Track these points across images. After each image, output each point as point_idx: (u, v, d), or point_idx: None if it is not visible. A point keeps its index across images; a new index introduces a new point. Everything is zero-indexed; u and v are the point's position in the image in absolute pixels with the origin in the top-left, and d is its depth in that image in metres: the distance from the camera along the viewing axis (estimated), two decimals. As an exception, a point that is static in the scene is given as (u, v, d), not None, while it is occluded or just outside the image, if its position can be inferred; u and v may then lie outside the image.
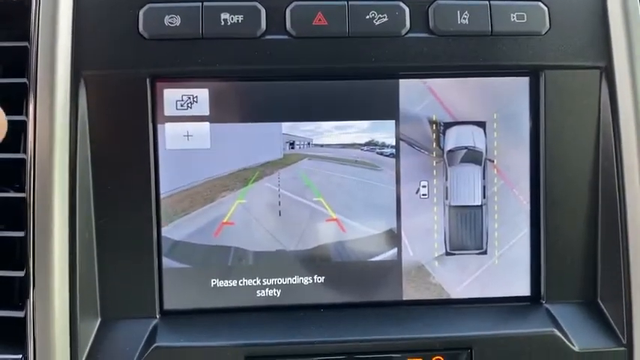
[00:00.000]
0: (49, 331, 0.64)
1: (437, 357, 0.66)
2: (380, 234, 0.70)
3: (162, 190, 0.69)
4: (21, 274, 0.65)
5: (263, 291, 0.70)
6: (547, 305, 0.70)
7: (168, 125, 0.69)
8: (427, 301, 0.71)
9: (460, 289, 0.71)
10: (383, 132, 0.70)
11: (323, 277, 0.70)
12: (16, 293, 0.67)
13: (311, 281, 0.70)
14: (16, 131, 0.68)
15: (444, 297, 0.71)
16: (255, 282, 0.70)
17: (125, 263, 0.68)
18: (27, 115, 0.66)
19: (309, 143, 0.70)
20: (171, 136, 0.69)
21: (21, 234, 0.66)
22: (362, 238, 0.70)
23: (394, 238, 0.70)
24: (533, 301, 0.71)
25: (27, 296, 0.64)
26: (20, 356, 0.64)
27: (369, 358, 0.66)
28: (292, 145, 0.70)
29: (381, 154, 0.70)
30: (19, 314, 0.65)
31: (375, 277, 0.70)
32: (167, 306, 0.69)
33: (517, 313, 0.70)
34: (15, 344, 0.65)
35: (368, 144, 0.70)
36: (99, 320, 0.68)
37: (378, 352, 0.66)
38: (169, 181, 0.69)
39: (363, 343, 0.66)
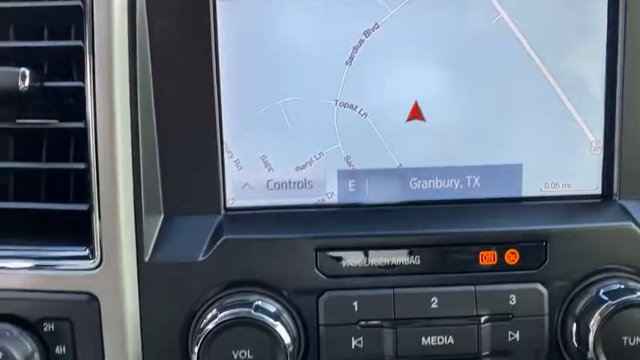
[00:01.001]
0: (115, 223, 0.65)
1: (511, 250, 0.68)
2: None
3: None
4: (82, 165, 0.66)
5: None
6: (620, 202, 0.71)
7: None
8: (498, 199, 0.71)
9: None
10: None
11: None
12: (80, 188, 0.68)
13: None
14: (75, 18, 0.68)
15: (515, 195, 0.72)
16: (322, 178, 0.71)
17: (188, 159, 0.68)
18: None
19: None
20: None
21: (80, 124, 0.66)
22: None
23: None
24: (604, 198, 0.72)
25: (90, 189, 0.66)
26: (85, 249, 0.66)
27: (442, 251, 0.67)
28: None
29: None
30: (83, 207, 0.66)
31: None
32: (230, 204, 0.71)
33: (591, 209, 0.70)
34: (83, 240, 0.67)
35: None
36: (162, 216, 0.68)
37: (451, 245, 0.67)
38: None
39: (436, 237, 0.67)
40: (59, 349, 0.65)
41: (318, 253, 0.66)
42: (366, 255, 0.67)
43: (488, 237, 0.67)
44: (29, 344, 0.64)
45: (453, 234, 0.67)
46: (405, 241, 0.67)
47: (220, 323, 0.63)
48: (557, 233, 0.67)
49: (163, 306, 0.66)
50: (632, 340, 0.64)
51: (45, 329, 0.65)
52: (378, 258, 0.67)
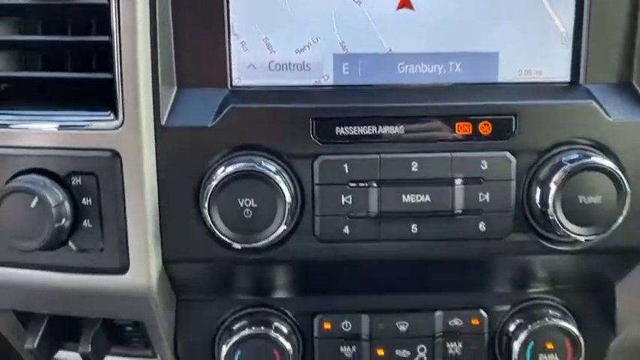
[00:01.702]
0: (135, 88, 0.75)
1: (484, 122, 0.78)
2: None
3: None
4: (105, 38, 0.77)
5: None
6: (586, 86, 0.81)
7: None
8: (477, 84, 0.82)
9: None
10: None
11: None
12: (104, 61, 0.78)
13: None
14: None
15: (492, 80, 0.82)
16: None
17: (199, 39, 0.78)
18: None
19: None
20: None
21: (104, 1, 0.76)
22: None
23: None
24: (572, 84, 0.82)
25: (113, 59, 0.76)
26: (109, 112, 0.77)
27: (423, 121, 0.78)
28: None
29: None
30: (107, 75, 0.77)
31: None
32: (236, 82, 0.81)
33: (559, 91, 0.81)
34: (105, 108, 0.77)
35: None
36: (175, 89, 0.79)
37: (431, 116, 0.78)
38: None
39: (418, 109, 0.78)
40: (86, 201, 0.77)
41: (313, 122, 0.77)
42: (357, 124, 0.78)
43: (465, 109, 0.78)
44: (60, 194, 0.75)
45: (433, 107, 0.78)
46: (391, 113, 0.78)
47: (228, 175, 0.74)
48: (526, 108, 0.78)
49: (177, 165, 0.77)
50: (586, 199, 0.76)
51: (73, 183, 0.76)
52: (367, 127, 0.78)
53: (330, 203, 0.78)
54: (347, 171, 0.77)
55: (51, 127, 0.77)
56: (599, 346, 0.91)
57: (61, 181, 0.76)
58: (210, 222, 0.74)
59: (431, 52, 0.82)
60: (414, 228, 0.78)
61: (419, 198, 0.78)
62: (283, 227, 0.76)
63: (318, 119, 0.77)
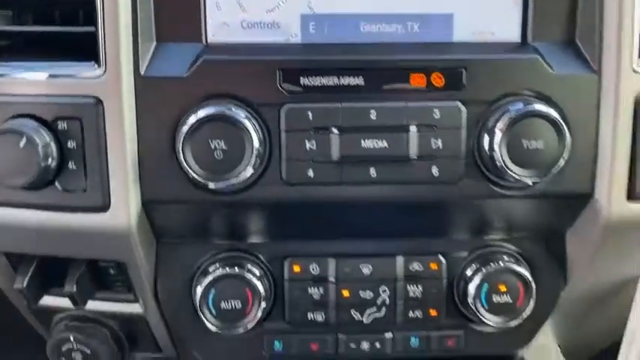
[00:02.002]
0: (116, 40, 0.83)
1: (437, 74, 0.85)
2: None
3: None
4: None
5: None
6: (533, 44, 0.89)
7: None
8: (433, 43, 0.89)
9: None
10: None
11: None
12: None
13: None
14: None
15: (448, 40, 0.90)
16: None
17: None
18: None
19: None
20: None
21: None
22: None
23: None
24: (523, 45, 0.90)
25: (96, 12, 0.83)
26: (93, 63, 0.84)
27: (381, 73, 0.85)
28: None
29: None
30: (90, 29, 0.84)
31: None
32: (211, 39, 0.89)
33: (508, 48, 0.89)
34: (89, 60, 0.85)
35: None
36: (154, 43, 0.86)
37: (387, 69, 0.85)
38: None
39: (377, 62, 0.85)
40: (71, 144, 0.84)
41: (280, 72, 0.84)
42: (320, 75, 0.85)
43: (419, 63, 0.85)
44: (47, 136, 0.82)
45: (391, 60, 0.85)
46: (351, 65, 0.85)
47: (200, 119, 0.81)
48: (475, 62, 0.85)
49: (155, 111, 0.84)
50: (530, 144, 0.83)
51: (59, 127, 0.83)
52: (329, 78, 0.85)
53: (295, 148, 0.85)
54: (311, 118, 0.85)
55: (41, 76, 0.84)
56: (551, 292, 0.99)
57: (49, 125, 0.83)
58: (184, 162, 0.82)
59: (391, 13, 0.89)
60: (373, 172, 0.86)
61: (377, 144, 0.85)
62: (251, 170, 0.83)
63: (285, 70, 0.84)
